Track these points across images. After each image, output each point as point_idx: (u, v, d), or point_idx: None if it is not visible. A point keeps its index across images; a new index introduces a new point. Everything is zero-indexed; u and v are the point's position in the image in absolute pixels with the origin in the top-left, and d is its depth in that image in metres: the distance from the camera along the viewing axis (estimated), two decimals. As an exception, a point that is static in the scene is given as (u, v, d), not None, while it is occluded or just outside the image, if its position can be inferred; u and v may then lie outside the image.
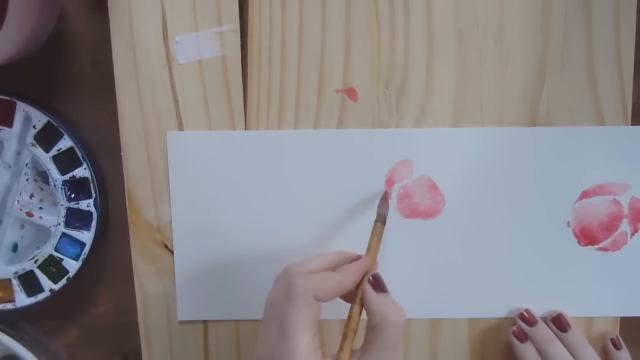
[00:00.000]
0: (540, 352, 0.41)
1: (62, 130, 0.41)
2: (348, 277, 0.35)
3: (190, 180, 0.41)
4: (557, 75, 0.41)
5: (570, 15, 0.40)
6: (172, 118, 0.41)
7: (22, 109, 0.40)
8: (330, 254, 0.37)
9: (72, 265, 0.42)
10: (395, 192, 0.41)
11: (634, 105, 0.41)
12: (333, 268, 0.36)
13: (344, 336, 0.34)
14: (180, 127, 0.41)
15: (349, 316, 0.35)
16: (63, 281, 0.42)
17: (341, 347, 0.34)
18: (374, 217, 0.39)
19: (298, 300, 0.33)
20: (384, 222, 0.39)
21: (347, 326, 0.34)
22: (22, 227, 0.43)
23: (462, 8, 0.40)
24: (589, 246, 0.42)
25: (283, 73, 0.40)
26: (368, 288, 0.35)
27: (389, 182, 0.41)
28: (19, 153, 0.42)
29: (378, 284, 0.35)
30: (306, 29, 0.40)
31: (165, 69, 0.40)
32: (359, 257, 0.37)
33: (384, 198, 0.40)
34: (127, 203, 0.42)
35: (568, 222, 0.42)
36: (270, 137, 0.41)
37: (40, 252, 0.42)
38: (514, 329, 0.42)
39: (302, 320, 0.32)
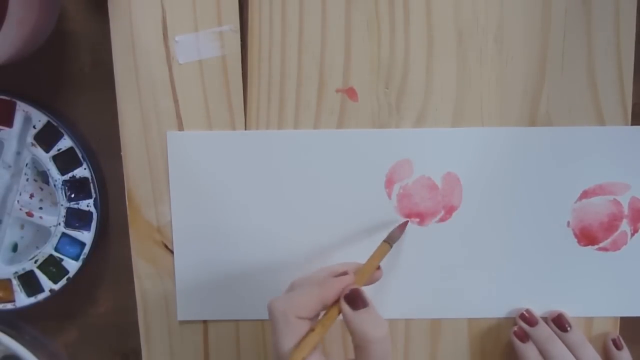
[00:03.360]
0: (541, 352, 0.41)
1: (62, 130, 0.41)
2: (328, 291, 0.34)
3: (190, 180, 0.41)
4: (557, 75, 0.41)
5: (570, 15, 0.40)
6: (172, 118, 0.41)
7: (22, 109, 0.40)
8: (329, 268, 0.36)
9: (72, 265, 0.42)
10: (395, 192, 0.41)
11: (634, 105, 0.41)
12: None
13: (311, 329, 0.33)
14: (180, 127, 0.41)
15: (325, 313, 0.34)
16: (63, 281, 0.42)
17: (302, 340, 0.32)
18: (374, 217, 0.39)
19: (280, 323, 0.32)
20: (390, 246, 0.38)
21: (319, 321, 0.33)
22: (22, 227, 0.43)
23: (462, 8, 0.40)
24: (589, 246, 0.42)
25: (283, 73, 0.40)
26: (345, 306, 0.33)
27: (389, 182, 0.41)
28: (19, 153, 0.42)
29: (354, 301, 0.33)
30: (306, 29, 0.40)
31: (165, 69, 0.40)
32: (345, 274, 0.35)
33: (402, 226, 0.41)
34: (127, 203, 0.42)
35: (568, 222, 0.42)
36: (270, 137, 0.41)
37: (40, 252, 0.42)
38: (515, 329, 0.42)
39: (287, 340, 0.32)
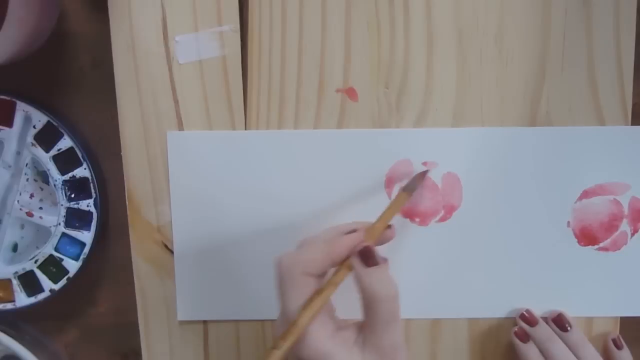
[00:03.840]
0: (542, 351, 0.41)
1: (62, 130, 0.41)
2: (336, 249, 0.33)
3: (190, 180, 0.41)
4: (557, 75, 0.41)
5: (570, 15, 0.40)
6: (172, 118, 0.41)
7: (22, 109, 0.40)
8: (339, 226, 0.35)
9: (72, 265, 0.42)
10: (395, 192, 0.41)
11: (634, 105, 0.41)
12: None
13: (319, 289, 0.32)
14: (180, 127, 0.41)
15: (335, 272, 0.33)
16: (63, 281, 0.42)
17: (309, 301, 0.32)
18: (374, 217, 0.39)
19: (286, 279, 0.32)
20: (410, 194, 0.38)
21: (328, 280, 0.33)
22: (22, 227, 0.43)
23: (462, 8, 0.40)
24: (589, 246, 0.42)
25: (283, 73, 0.40)
26: (356, 262, 0.33)
27: (389, 182, 0.41)
28: (19, 153, 0.42)
29: (367, 257, 0.33)
30: (306, 28, 0.40)
31: (165, 69, 0.40)
32: (354, 231, 0.34)
33: (422, 174, 0.39)
34: (127, 203, 0.42)
35: (568, 222, 0.42)
36: (270, 137, 0.41)
37: (40, 252, 0.42)
38: (516, 329, 0.42)
39: (296, 299, 0.32)
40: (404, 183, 0.40)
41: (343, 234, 0.34)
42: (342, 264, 0.33)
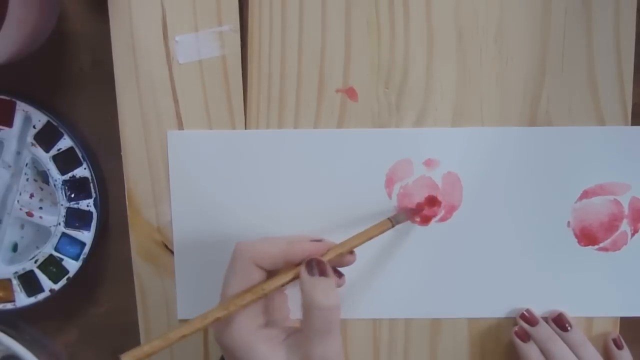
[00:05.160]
0: (543, 351, 0.41)
1: (62, 130, 0.41)
2: (294, 250, 0.33)
3: (190, 180, 0.41)
4: (557, 75, 0.41)
5: (570, 15, 0.40)
6: (172, 118, 0.41)
7: (22, 109, 0.40)
8: (296, 235, 0.36)
9: (72, 265, 0.42)
10: (395, 192, 0.41)
11: (634, 105, 0.41)
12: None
13: (257, 284, 0.33)
14: (180, 127, 0.41)
15: (278, 274, 0.34)
16: (63, 281, 0.42)
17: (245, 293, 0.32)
18: (374, 217, 0.39)
19: (236, 263, 0.32)
20: (392, 226, 0.38)
21: (273, 277, 0.33)
22: (22, 227, 0.43)
23: (462, 8, 0.40)
24: (589, 246, 0.42)
25: (283, 73, 0.40)
26: (302, 269, 0.33)
27: (389, 181, 0.41)
28: (19, 153, 0.42)
29: (313, 267, 0.33)
30: (306, 28, 0.40)
31: (165, 69, 0.40)
32: (319, 240, 0.35)
33: (414, 211, 0.41)
34: (127, 203, 0.42)
35: (568, 222, 0.42)
36: (270, 136, 0.41)
37: (40, 252, 0.42)
38: (516, 329, 0.42)
39: (236, 282, 0.32)
40: (411, 183, 0.41)
41: (308, 240, 0.35)
42: (291, 269, 0.34)
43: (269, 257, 0.33)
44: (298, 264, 0.34)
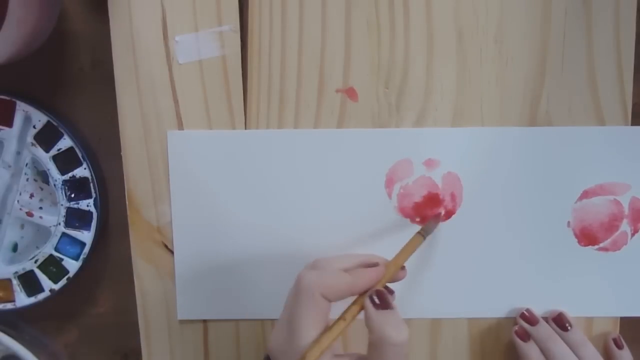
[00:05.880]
0: (543, 351, 0.41)
1: (62, 130, 0.41)
2: (359, 281, 0.34)
3: (190, 180, 0.41)
4: (557, 75, 0.41)
5: (570, 15, 0.40)
6: (172, 118, 0.41)
7: (22, 109, 0.40)
8: (359, 256, 0.36)
9: (72, 265, 0.42)
10: (395, 192, 0.41)
11: (634, 105, 0.41)
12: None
13: (327, 327, 0.33)
14: (180, 127, 0.41)
15: (347, 309, 0.34)
16: (63, 281, 0.42)
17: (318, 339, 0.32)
18: (374, 217, 0.39)
19: (304, 296, 0.32)
20: (424, 237, 0.38)
21: (339, 317, 0.33)
22: (22, 227, 0.43)
23: (462, 8, 0.40)
24: (589, 246, 0.42)
25: (283, 73, 0.40)
26: (368, 304, 0.33)
27: (389, 182, 0.41)
28: (19, 153, 0.42)
29: (379, 301, 0.33)
30: (306, 28, 0.40)
31: (165, 69, 0.40)
32: (376, 264, 0.35)
33: (437, 217, 0.41)
34: (127, 203, 0.42)
35: (568, 222, 0.42)
36: (270, 136, 0.41)
37: (40, 252, 0.42)
38: (517, 328, 0.42)
39: (308, 317, 0.32)
40: (411, 184, 0.41)
41: (364, 265, 0.35)
42: (355, 301, 0.34)
43: (338, 292, 0.33)
44: (358, 297, 0.34)
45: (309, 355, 0.31)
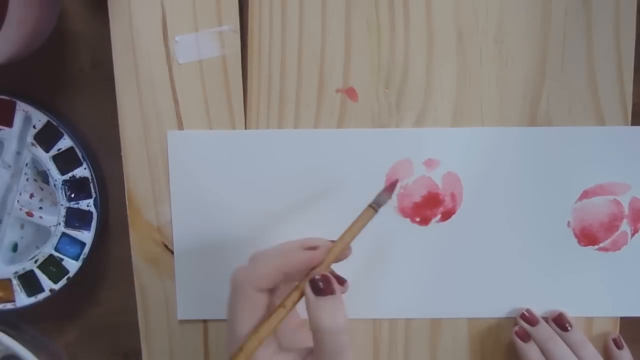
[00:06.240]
0: (543, 351, 0.41)
1: (62, 130, 0.41)
2: (291, 263, 0.32)
3: (190, 179, 0.41)
4: (557, 75, 0.41)
5: (570, 15, 0.40)
6: (172, 118, 0.41)
7: (22, 109, 0.40)
8: (293, 242, 0.34)
9: (72, 265, 0.42)
10: (395, 192, 0.41)
11: (634, 105, 0.41)
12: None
13: (266, 315, 0.32)
14: (180, 127, 0.41)
15: (287, 296, 0.32)
16: (63, 281, 0.42)
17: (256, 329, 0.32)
18: (374, 217, 0.38)
19: (236, 293, 0.32)
20: (376, 210, 0.35)
21: (279, 304, 0.32)
22: (22, 227, 0.43)
23: (462, 8, 0.40)
24: (589, 246, 0.42)
25: (283, 73, 0.40)
26: (308, 290, 0.32)
27: (389, 181, 0.41)
28: (19, 153, 0.42)
29: (318, 287, 0.31)
30: (306, 28, 0.40)
31: (165, 69, 0.40)
32: (314, 248, 0.33)
33: (390, 187, 0.36)
34: (127, 203, 0.42)
35: (568, 222, 0.42)
36: (270, 136, 0.41)
37: (40, 252, 0.42)
38: (517, 329, 0.42)
39: (243, 313, 0.32)
40: (411, 184, 0.40)
41: (302, 248, 0.33)
42: (296, 287, 0.33)
43: (269, 279, 0.32)
44: (299, 278, 0.32)
45: (246, 347, 0.30)
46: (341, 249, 0.34)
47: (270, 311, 0.32)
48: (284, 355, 0.32)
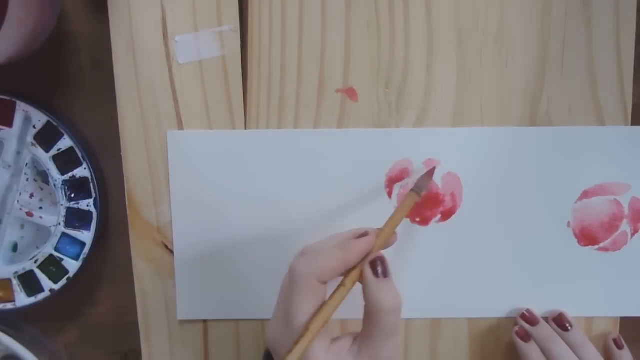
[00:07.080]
0: (543, 351, 0.41)
1: (62, 130, 0.41)
2: (351, 254, 0.33)
3: (190, 180, 0.41)
4: (557, 75, 0.41)
5: (570, 15, 0.40)
6: (172, 118, 0.41)
7: (22, 109, 0.40)
8: (342, 234, 0.36)
9: (72, 265, 0.42)
10: (395, 192, 0.41)
11: (634, 105, 0.41)
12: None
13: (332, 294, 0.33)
14: (180, 127, 0.41)
15: (346, 275, 0.34)
16: (63, 281, 0.42)
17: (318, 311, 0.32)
18: (375, 217, 0.39)
19: (299, 285, 0.32)
20: (419, 195, 0.38)
21: (340, 284, 0.33)
22: (22, 227, 0.43)
23: (462, 8, 0.40)
24: (590, 246, 0.42)
25: (283, 73, 0.40)
26: (368, 272, 0.33)
27: (389, 181, 0.41)
28: (19, 153, 0.42)
29: (379, 268, 0.33)
30: (306, 28, 0.40)
31: (165, 69, 0.40)
32: (365, 234, 0.35)
33: (430, 172, 0.39)
34: (127, 203, 0.42)
35: (568, 222, 0.42)
36: (270, 136, 0.41)
37: (40, 252, 0.42)
38: (517, 329, 0.42)
39: (306, 304, 0.32)
40: (411, 184, 0.40)
41: (353, 238, 0.34)
42: (350, 271, 0.34)
43: (332, 271, 0.33)
44: (353, 268, 0.34)
45: (312, 328, 0.31)
46: (389, 233, 0.36)
47: (323, 303, 0.33)
48: (336, 344, 0.33)
